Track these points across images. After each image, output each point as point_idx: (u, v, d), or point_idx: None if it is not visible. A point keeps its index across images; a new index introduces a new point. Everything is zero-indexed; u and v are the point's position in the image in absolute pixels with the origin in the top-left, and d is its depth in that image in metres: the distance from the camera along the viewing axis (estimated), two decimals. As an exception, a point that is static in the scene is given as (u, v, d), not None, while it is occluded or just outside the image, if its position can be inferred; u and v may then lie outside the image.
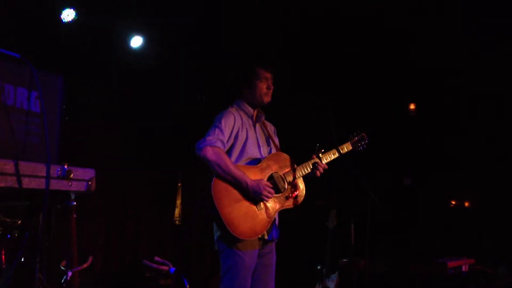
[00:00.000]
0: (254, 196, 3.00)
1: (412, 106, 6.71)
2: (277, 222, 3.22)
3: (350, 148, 3.47)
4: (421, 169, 5.99)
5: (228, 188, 2.97)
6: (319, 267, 5.50)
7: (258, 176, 3.07)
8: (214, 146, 2.97)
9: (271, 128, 3.45)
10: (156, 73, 5.57)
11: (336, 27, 5.60)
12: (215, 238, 3.10)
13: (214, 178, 2.96)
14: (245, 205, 3.00)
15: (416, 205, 5.88)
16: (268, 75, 3.28)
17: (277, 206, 3.12)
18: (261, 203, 3.05)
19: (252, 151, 3.18)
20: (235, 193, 2.98)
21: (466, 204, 6.36)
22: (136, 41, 5.44)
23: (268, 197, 3.03)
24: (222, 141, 3.03)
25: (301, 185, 3.25)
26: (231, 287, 2.98)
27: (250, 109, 3.29)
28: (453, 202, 6.34)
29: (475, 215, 5.96)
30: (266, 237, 3.11)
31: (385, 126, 5.98)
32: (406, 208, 5.76)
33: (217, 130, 3.05)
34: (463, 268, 4.61)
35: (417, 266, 4.64)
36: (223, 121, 3.09)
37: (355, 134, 3.53)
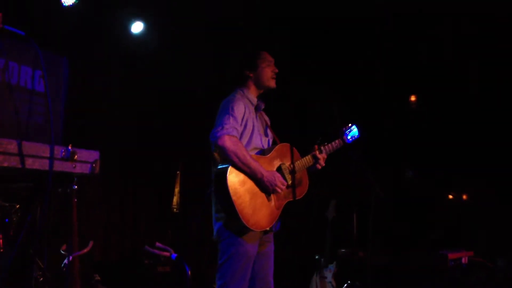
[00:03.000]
0: (267, 187, 2.98)
1: (412, 98, 6.68)
2: None
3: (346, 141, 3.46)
4: (422, 161, 5.98)
5: (243, 178, 2.93)
6: (317, 257, 5.52)
7: (268, 167, 3.05)
8: (232, 135, 2.92)
9: (266, 118, 3.41)
10: (157, 59, 5.53)
11: (338, 19, 5.57)
12: (218, 226, 3.05)
13: (229, 168, 2.90)
14: (258, 196, 2.98)
15: (417, 197, 5.87)
16: (272, 59, 3.26)
17: (285, 197, 3.11)
18: (272, 195, 3.03)
19: (257, 141, 3.15)
20: (250, 184, 2.95)
21: (464, 197, 6.36)
22: (137, 27, 5.38)
23: (282, 189, 3.02)
24: (237, 130, 2.98)
25: (305, 177, 3.24)
26: (231, 275, 2.94)
27: (254, 98, 3.24)
28: (451, 196, 6.34)
29: (473, 207, 5.95)
30: (274, 228, 3.11)
31: (386, 118, 5.96)
32: (407, 199, 5.76)
33: (231, 118, 2.98)
34: (463, 260, 4.61)
35: (417, 257, 4.64)
36: (235, 108, 3.03)
37: (348, 126, 3.49)
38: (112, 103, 5.33)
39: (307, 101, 5.54)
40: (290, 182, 3.14)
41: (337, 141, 3.39)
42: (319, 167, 3.25)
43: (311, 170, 3.28)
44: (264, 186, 2.97)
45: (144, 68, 5.46)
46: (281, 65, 3.28)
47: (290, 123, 5.53)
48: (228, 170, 2.90)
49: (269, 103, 3.35)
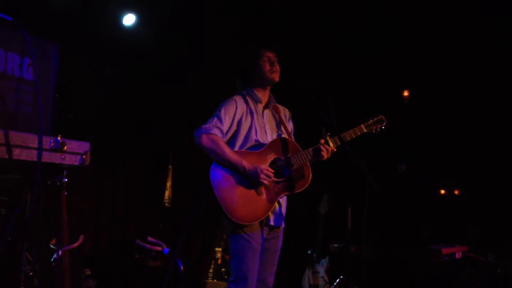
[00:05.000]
0: (252, 180, 2.98)
1: (405, 93, 6.66)
2: (283, 208, 3.20)
3: (365, 131, 3.36)
4: (415, 156, 5.96)
5: (226, 174, 2.99)
6: (309, 252, 5.50)
7: (259, 161, 3.04)
8: (210, 134, 3.01)
9: (285, 113, 3.41)
10: (149, 52, 5.47)
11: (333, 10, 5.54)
12: (225, 223, 3.09)
13: (212, 165, 3.00)
14: (244, 190, 2.99)
15: (409, 192, 5.86)
16: (270, 54, 3.24)
17: (280, 191, 3.08)
18: (261, 187, 3.02)
19: (258, 137, 3.15)
20: (234, 179, 2.99)
21: (456, 192, 6.36)
22: (129, 19, 5.30)
23: (267, 181, 2.99)
24: (219, 129, 3.04)
25: (307, 170, 3.19)
26: (238, 270, 2.99)
27: (259, 95, 3.25)
28: (443, 191, 6.34)
29: (464, 202, 5.96)
30: (271, 222, 3.10)
31: (380, 111, 5.93)
32: (399, 194, 5.74)
33: (215, 118, 3.08)
34: (457, 255, 4.61)
35: (410, 252, 4.63)
36: (223, 110, 3.11)
37: (371, 116, 3.44)
38: (103, 94, 5.26)
39: (301, 94, 5.48)
40: (286, 175, 3.11)
41: (350, 131, 3.30)
42: (323, 158, 3.18)
43: (316, 161, 3.22)
44: (248, 179, 2.99)
45: (136, 60, 5.40)
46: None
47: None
48: (212, 167, 3.00)
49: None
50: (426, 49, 5.83)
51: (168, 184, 5.76)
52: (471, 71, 5.75)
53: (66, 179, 2.16)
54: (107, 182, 5.38)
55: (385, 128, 3.41)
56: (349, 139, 3.27)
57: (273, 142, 3.15)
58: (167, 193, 5.75)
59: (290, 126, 3.37)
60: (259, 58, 3.22)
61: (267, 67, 3.21)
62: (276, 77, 3.22)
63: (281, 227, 3.21)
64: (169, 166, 5.76)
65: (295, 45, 5.78)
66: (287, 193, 3.11)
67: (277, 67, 3.23)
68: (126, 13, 5.27)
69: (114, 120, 5.38)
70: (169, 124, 5.68)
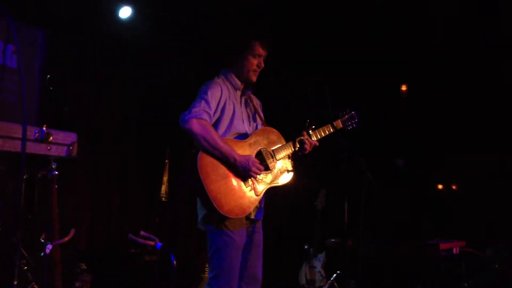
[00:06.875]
0: (242, 172, 2.87)
1: (403, 88, 6.62)
2: (263, 201, 3.10)
3: (341, 126, 3.34)
4: (414, 150, 5.93)
5: (215, 163, 2.83)
6: (306, 247, 5.48)
7: (246, 152, 2.95)
8: (200, 119, 2.82)
9: (257, 102, 3.30)
10: (145, 46, 5.42)
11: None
12: (200, 216, 2.96)
13: (200, 152, 2.81)
14: (233, 181, 2.87)
15: (407, 186, 5.84)
16: (263, 52, 3.09)
17: (265, 183, 3.00)
18: (249, 180, 2.93)
19: (239, 126, 3.04)
20: (222, 169, 2.85)
21: (454, 187, 6.33)
22: (125, 12, 5.25)
23: (258, 174, 2.91)
24: (208, 113, 2.88)
25: (291, 162, 3.13)
26: (220, 268, 2.87)
27: (238, 82, 3.12)
28: (440, 186, 6.31)
29: (462, 197, 5.93)
30: (252, 216, 3.01)
31: (378, 106, 5.90)
32: (397, 189, 5.71)
33: (203, 101, 2.89)
34: (454, 251, 4.58)
35: (408, 247, 4.60)
36: (209, 92, 2.93)
37: (345, 112, 3.39)
38: (99, 87, 5.22)
39: (297, 84, 5.46)
40: (272, 167, 3.03)
41: (329, 125, 3.27)
42: (307, 151, 3.13)
43: (298, 154, 3.17)
44: (238, 170, 2.86)
45: (132, 53, 5.35)
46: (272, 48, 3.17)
47: (279, 107, 5.45)
48: (199, 155, 2.80)
49: (259, 86, 3.25)
50: (425, 43, 5.78)
51: (165, 178, 5.71)
52: (470, 67, 5.71)
53: (56, 172, 2.10)
54: (103, 177, 5.35)
55: (356, 125, 3.37)
56: (325, 134, 3.25)
57: (258, 132, 3.07)
58: (163, 188, 5.70)
59: (261, 116, 3.27)
60: (251, 50, 3.07)
61: (253, 66, 3.08)
62: (255, 78, 3.11)
63: (260, 220, 3.13)
64: (166, 161, 5.70)
65: (292, 38, 5.73)
66: (272, 186, 3.04)
67: (261, 67, 3.10)
68: (122, 6, 5.21)
69: (110, 114, 5.33)
70: (166, 118, 5.63)
